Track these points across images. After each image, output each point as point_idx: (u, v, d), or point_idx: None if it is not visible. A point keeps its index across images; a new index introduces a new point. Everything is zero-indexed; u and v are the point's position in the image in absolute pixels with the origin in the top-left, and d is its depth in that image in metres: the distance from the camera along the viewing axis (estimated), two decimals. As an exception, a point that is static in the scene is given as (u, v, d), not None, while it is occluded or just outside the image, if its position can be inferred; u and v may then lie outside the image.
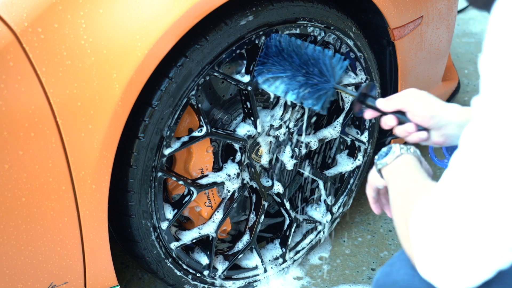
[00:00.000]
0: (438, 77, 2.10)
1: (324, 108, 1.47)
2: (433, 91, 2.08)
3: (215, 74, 1.46)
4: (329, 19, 1.62)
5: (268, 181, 1.76)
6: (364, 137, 1.88)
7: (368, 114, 1.33)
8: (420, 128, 1.25)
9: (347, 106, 1.82)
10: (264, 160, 1.72)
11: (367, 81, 1.54)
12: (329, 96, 1.46)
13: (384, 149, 1.19)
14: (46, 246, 1.34)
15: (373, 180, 1.25)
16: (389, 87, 1.88)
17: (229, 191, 1.67)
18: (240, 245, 1.77)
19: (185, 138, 1.51)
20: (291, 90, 1.49)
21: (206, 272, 1.70)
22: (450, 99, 2.26)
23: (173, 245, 1.59)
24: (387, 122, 1.29)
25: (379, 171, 1.19)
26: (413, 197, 0.99)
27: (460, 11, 3.51)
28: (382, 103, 1.29)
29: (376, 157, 1.20)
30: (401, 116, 1.27)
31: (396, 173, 1.14)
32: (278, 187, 1.77)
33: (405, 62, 1.81)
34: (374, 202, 1.28)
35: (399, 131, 1.28)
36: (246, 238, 1.77)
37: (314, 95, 1.47)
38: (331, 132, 1.82)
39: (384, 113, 1.29)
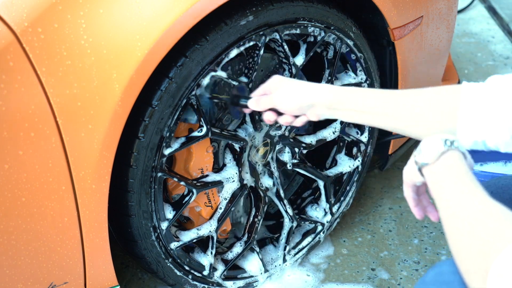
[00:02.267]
0: (438, 77, 2.10)
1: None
2: (433, 91, 2.08)
3: (215, 74, 1.46)
4: (329, 19, 1.62)
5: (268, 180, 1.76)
6: (364, 137, 1.88)
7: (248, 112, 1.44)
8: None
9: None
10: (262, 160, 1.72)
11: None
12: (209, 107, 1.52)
13: (423, 142, 1.08)
14: (46, 246, 1.34)
15: (410, 177, 1.12)
16: (389, 87, 1.88)
17: (226, 198, 1.67)
18: (239, 246, 1.77)
19: (185, 139, 1.51)
20: None
21: (206, 272, 1.70)
22: (450, 99, 2.26)
23: (173, 245, 1.59)
24: (268, 118, 1.36)
25: (420, 169, 1.07)
26: (490, 232, 0.88)
27: (460, 11, 3.51)
28: (253, 104, 1.38)
29: (415, 152, 1.09)
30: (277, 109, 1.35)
31: (444, 179, 1.01)
32: (267, 182, 1.76)
33: (405, 62, 1.81)
34: (415, 204, 1.15)
35: (282, 121, 1.35)
36: (245, 238, 1.76)
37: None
38: (330, 133, 1.82)
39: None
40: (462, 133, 1.12)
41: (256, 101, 1.38)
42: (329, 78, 1.72)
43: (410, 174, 1.11)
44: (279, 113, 1.36)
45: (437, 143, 1.04)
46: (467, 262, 0.90)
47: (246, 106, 1.39)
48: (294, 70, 1.62)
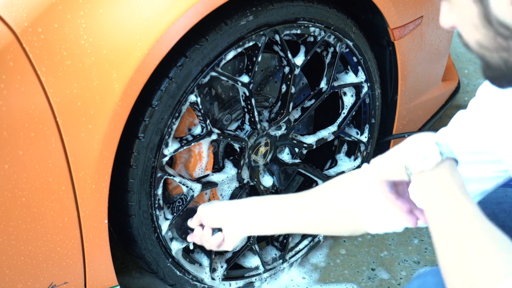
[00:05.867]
0: (438, 77, 2.10)
1: None
2: (433, 91, 2.08)
3: (215, 74, 1.46)
4: (329, 19, 1.62)
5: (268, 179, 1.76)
6: (364, 137, 1.88)
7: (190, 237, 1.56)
8: (215, 231, 1.46)
9: (346, 107, 1.82)
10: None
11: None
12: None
13: (413, 143, 0.99)
14: (46, 246, 1.34)
15: (388, 174, 1.02)
16: (389, 87, 1.88)
17: (225, 197, 1.67)
18: (239, 246, 1.77)
19: (186, 138, 1.51)
20: None
21: (206, 273, 1.69)
22: (450, 99, 2.27)
23: (173, 245, 1.59)
24: (197, 233, 1.50)
25: (409, 175, 0.99)
26: (481, 263, 0.86)
27: (460, 11, 3.50)
28: (189, 222, 1.53)
29: (407, 155, 0.99)
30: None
31: (437, 193, 0.95)
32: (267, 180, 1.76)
33: (405, 62, 1.81)
34: (396, 198, 1.04)
35: (196, 234, 1.50)
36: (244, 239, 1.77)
37: None
38: (330, 133, 1.82)
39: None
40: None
41: (191, 219, 1.53)
42: (328, 80, 1.72)
43: (389, 171, 1.02)
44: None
45: (432, 149, 0.96)
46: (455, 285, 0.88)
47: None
48: (294, 70, 1.62)
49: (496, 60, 0.90)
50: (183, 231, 1.58)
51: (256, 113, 1.60)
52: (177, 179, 1.53)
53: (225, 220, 1.42)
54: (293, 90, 1.64)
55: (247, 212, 1.40)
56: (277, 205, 1.36)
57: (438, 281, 0.95)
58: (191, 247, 1.64)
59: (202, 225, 1.49)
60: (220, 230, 1.44)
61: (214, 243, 1.45)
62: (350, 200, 1.24)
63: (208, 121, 1.51)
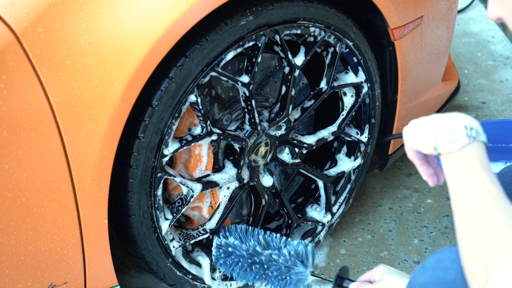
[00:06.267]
0: (438, 77, 2.10)
1: None
2: (433, 91, 2.08)
3: (215, 74, 1.46)
4: (329, 19, 1.62)
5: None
6: (364, 137, 1.88)
7: None
8: None
9: (346, 107, 1.82)
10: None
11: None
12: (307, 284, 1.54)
13: (442, 124, 1.02)
14: (46, 246, 1.34)
15: (419, 146, 1.07)
16: (389, 87, 1.88)
17: (225, 197, 1.67)
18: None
19: (185, 138, 1.50)
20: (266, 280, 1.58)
21: (206, 273, 1.69)
22: (450, 99, 2.26)
23: (173, 245, 1.59)
24: None
25: (438, 155, 1.01)
26: (497, 241, 0.88)
27: (460, 11, 3.51)
28: (354, 287, 1.36)
29: (435, 136, 1.02)
30: None
31: (462, 172, 0.97)
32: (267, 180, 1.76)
33: (405, 62, 1.81)
34: (421, 163, 1.11)
35: None
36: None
37: (292, 283, 1.54)
38: (330, 133, 1.82)
39: None
40: None
41: (357, 286, 1.36)
42: (328, 80, 1.72)
43: (419, 145, 1.07)
44: None
45: (461, 130, 0.99)
46: (470, 262, 0.90)
47: None
48: (294, 70, 1.62)
49: None
50: None
51: (256, 113, 1.60)
52: (178, 179, 1.53)
53: None
54: (293, 92, 1.64)
55: None
56: None
57: (454, 258, 0.97)
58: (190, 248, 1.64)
59: None
60: None
61: None
62: None
63: (208, 121, 1.51)
